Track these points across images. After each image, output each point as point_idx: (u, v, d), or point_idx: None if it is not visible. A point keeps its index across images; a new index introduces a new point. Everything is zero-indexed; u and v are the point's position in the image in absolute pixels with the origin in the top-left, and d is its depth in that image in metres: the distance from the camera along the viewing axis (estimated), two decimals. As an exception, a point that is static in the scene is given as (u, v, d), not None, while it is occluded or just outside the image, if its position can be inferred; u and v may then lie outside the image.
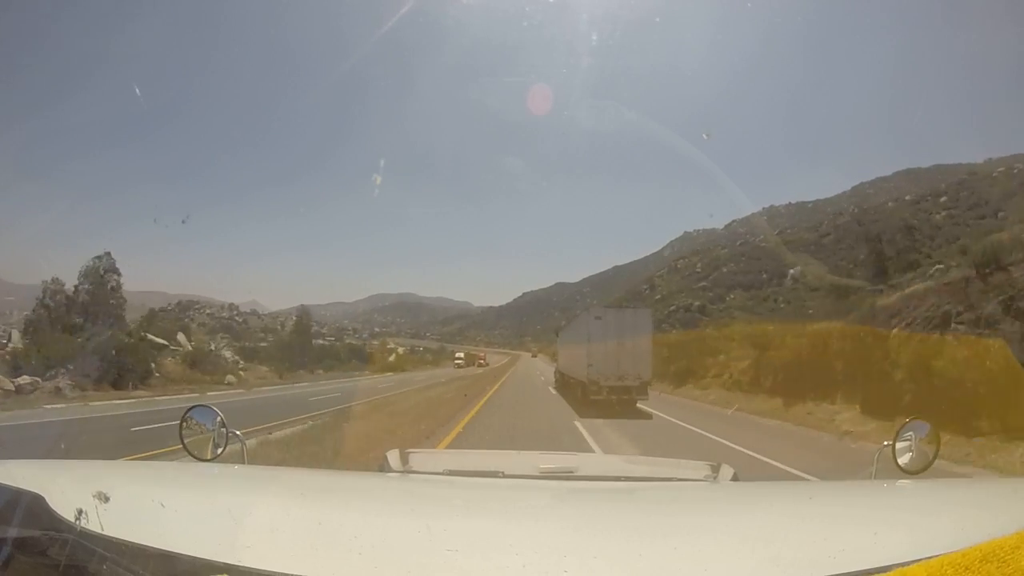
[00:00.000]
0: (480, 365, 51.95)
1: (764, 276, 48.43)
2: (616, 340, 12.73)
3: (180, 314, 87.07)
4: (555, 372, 22.83)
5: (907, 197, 48.64)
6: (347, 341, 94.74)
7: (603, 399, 12.53)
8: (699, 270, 57.90)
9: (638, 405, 13.16)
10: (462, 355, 59.03)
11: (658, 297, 55.38)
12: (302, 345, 45.41)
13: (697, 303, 48.70)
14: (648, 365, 13.10)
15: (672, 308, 48.08)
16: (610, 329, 12.96)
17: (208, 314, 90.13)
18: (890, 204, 48.64)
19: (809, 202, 79.13)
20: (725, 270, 53.78)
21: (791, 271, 44.67)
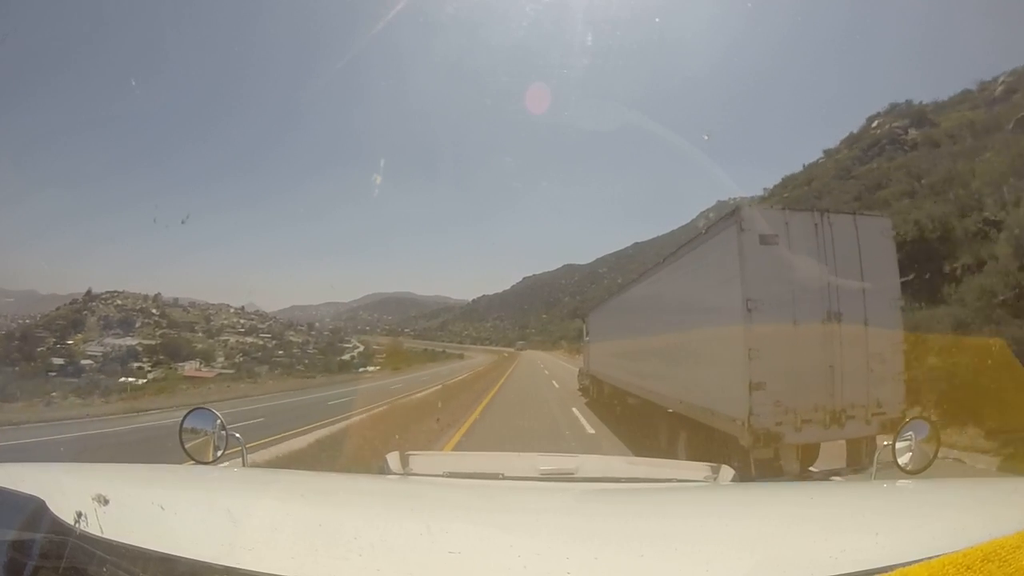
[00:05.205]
0: None
1: None
2: (824, 308, 6.01)
3: (82, 307, 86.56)
4: (579, 375, 19.43)
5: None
6: (287, 338, 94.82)
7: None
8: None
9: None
10: None
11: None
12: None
13: None
14: (899, 376, 6.31)
15: None
16: (805, 274, 5.97)
17: (117, 306, 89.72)
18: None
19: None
20: None
21: None
